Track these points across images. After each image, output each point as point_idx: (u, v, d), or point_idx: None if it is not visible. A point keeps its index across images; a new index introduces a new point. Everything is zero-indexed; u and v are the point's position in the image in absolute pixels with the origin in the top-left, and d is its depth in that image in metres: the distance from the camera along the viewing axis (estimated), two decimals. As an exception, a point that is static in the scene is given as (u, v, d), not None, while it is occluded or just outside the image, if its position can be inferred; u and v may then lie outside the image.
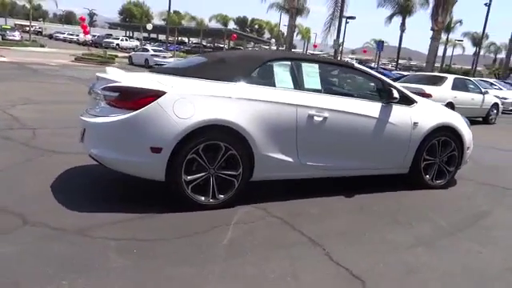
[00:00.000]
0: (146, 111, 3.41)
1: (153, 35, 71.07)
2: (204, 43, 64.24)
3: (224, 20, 59.34)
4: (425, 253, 3.16)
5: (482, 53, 67.78)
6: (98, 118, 3.58)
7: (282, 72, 4.09)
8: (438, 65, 59.56)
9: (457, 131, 4.82)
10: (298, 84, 4.09)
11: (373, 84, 4.58)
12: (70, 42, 55.84)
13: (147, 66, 25.16)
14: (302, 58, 4.44)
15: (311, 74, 4.22)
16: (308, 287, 2.57)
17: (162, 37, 78.46)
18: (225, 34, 50.51)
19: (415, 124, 4.53)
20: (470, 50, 64.11)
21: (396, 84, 4.61)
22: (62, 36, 59.48)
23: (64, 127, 6.72)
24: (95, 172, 4.63)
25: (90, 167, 4.64)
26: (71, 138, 5.91)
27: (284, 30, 64.50)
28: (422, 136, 4.59)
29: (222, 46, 69.42)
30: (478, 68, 54.03)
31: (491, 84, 19.55)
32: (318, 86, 4.24)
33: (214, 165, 3.65)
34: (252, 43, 73.87)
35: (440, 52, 62.44)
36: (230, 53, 5.29)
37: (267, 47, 79.43)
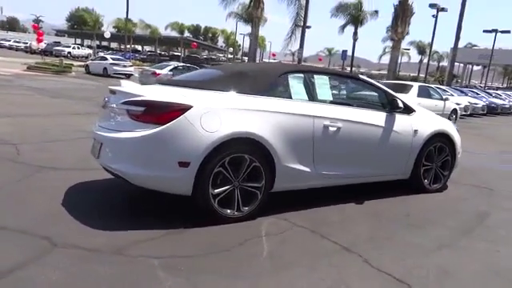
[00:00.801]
0: (174, 125, 3.38)
1: (104, 43, 69.18)
2: (158, 51, 63.30)
3: (180, 28, 58.88)
4: (450, 254, 3.35)
5: (425, 60, 71.95)
6: (120, 133, 3.49)
7: (296, 84, 4.19)
8: (385, 72, 62.41)
9: (450, 137, 5.14)
10: (312, 95, 4.21)
11: (376, 94, 4.79)
12: (17, 49, 52.98)
13: (106, 75, 24.47)
14: (313, 70, 4.57)
15: (322, 85, 4.35)
16: (361, 294, 2.66)
17: (113, 45, 76.63)
18: (181, 42, 50.00)
19: (415, 132, 4.79)
20: (416, 57, 67.85)
21: (396, 94, 4.85)
22: (7, 43, 56.27)
23: (45, 141, 6.46)
24: (101, 187, 4.51)
25: (94, 183, 4.56)
26: (59, 154, 5.73)
27: (239, 38, 65.12)
28: (422, 143, 4.85)
29: (177, 54, 68.87)
30: (422, 75, 57.16)
31: (444, 91, 20.82)
32: (330, 97, 4.39)
33: (239, 177, 3.67)
34: (206, 51, 73.77)
35: (387, 60, 65.56)
36: (243, 65, 5.33)
37: (222, 55, 79.79)
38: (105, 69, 24.71)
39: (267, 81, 4.04)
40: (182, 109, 3.42)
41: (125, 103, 3.55)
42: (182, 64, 21.24)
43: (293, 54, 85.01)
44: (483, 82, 78.12)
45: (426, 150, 4.92)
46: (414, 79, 53.47)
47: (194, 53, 69.91)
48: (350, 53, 34.98)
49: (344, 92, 4.56)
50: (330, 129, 4.11)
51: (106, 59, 26.14)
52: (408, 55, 68.31)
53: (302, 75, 4.29)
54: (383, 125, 4.53)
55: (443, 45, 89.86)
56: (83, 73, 26.61)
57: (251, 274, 2.80)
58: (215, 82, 4.02)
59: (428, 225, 3.99)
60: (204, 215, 3.61)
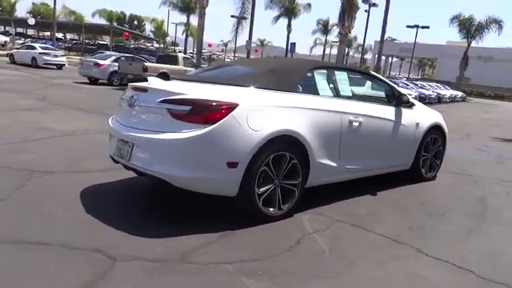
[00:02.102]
0: (223, 125, 3.25)
1: (19, 29, 63.32)
2: (82, 40, 59.32)
3: (109, 16, 55.73)
4: (482, 238, 3.64)
5: (351, 53, 75.63)
6: (162, 134, 3.27)
7: (321, 80, 4.23)
8: (318, 63, 64.52)
9: (442, 129, 5.53)
10: (336, 91, 4.28)
11: (385, 89, 4.98)
12: None
13: (35, 66, 22.50)
14: (333, 66, 4.63)
15: (343, 81, 4.43)
16: (439, 283, 2.79)
17: (30, 32, 70.40)
18: (110, 30, 47.43)
19: (417, 124, 5.08)
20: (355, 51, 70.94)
21: (399, 89, 5.09)
22: None
23: (16, 142, 5.89)
24: (115, 190, 4.29)
25: (103, 186, 4.32)
26: (42, 155, 5.26)
27: (171, 27, 63.33)
28: (422, 134, 5.16)
29: (103, 42, 65.09)
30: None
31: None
32: (350, 93, 4.49)
33: (279, 175, 3.64)
34: (132, 40, 70.47)
35: (319, 51, 67.83)
36: (265, 61, 5.13)
37: (150, 45, 76.86)
38: (33, 58, 22.68)
39: (298, 77, 4.03)
40: (229, 107, 3.30)
41: (164, 102, 3.33)
42: (126, 55, 20.19)
43: (225, 45, 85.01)
44: (401, 73, 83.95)
45: (425, 141, 5.25)
46: (343, 70, 56.04)
47: (120, 42, 66.69)
48: (278, 44, 35.66)
49: (358, 87, 4.68)
50: (354, 124, 4.21)
51: (34, 48, 24.00)
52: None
53: (325, 71, 4.33)
54: (394, 119, 4.74)
55: (366, 38, 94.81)
56: (7, 62, 24.24)
57: (329, 272, 2.81)
58: (248, 78, 3.90)
59: (446, 212, 4.27)
60: (245, 215, 3.56)
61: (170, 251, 2.93)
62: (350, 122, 4.17)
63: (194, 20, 37.54)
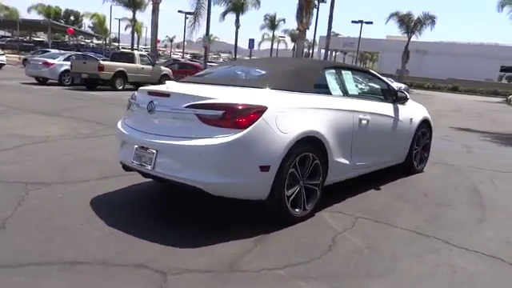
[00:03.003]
0: (255, 129, 3.20)
1: None
2: (16, 37, 55.27)
3: (47, 11, 52.30)
4: (493, 226, 3.87)
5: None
6: (192, 141, 3.16)
7: (331, 80, 4.28)
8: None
9: (429, 123, 5.80)
10: (345, 90, 4.35)
11: (382, 87, 5.13)
12: None
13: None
14: (340, 65, 4.68)
15: (349, 80, 4.52)
16: (478, 273, 2.94)
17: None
18: (48, 26, 44.65)
19: (411, 120, 5.30)
20: (290, 45, 72.02)
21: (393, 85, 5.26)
22: None
23: None
24: (126, 199, 4.07)
25: (110, 195, 4.15)
26: (24, 166, 4.91)
27: (114, 23, 60.80)
28: (415, 129, 5.40)
29: (38, 39, 61.22)
30: None
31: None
32: (356, 92, 4.58)
33: (304, 176, 3.65)
34: (67, 36, 66.71)
35: (266, 46, 68.43)
36: (275, 61, 4.98)
37: (89, 41, 73.27)
38: (-33, 58, 20.88)
39: (313, 78, 4.05)
40: (259, 111, 3.25)
41: (192, 107, 3.22)
42: (77, 53, 19.13)
43: (171, 41, 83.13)
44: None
45: (417, 135, 5.49)
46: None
47: (56, 38, 63.08)
48: (226, 40, 35.61)
49: (361, 86, 4.79)
50: (362, 122, 4.31)
51: (-33, 47, 22.04)
52: (285, 42, 72.25)
53: (334, 71, 4.39)
54: (393, 115, 4.91)
55: (311, 33, 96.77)
56: None
57: (377, 270, 2.86)
58: (263, 79, 3.84)
59: (450, 203, 4.49)
60: (267, 217, 3.56)
61: (214, 260, 2.85)
62: (360, 120, 4.27)
63: (140, 16, 36.32)
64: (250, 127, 3.17)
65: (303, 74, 4.03)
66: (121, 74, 15.79)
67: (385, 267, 2.92)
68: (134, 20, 35.30)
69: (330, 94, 4.16)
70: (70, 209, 3.65)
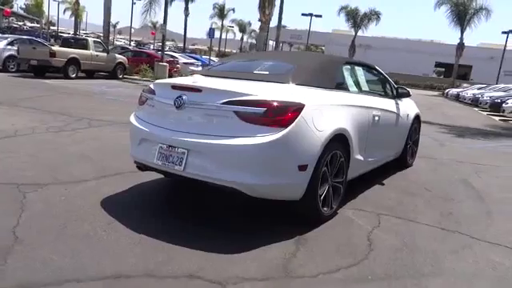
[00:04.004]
0: (295, 127, 3.06)
1: None
2: None
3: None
4: (501, 217, 4.05)
5: (245, 39, 76.86)
6: (233, 140, 2.97)
7: (349, 76, 4.24)
8: (215, 48, 64.21)
9: (420, 118, 5.98)
10: (359, 87, 4.33)
11: (384, 83, 5.18)
12: None
13: None
14: (354, 61, 4.60)
15: (361, 76, 4.50)
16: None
17: None
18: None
19: (408, 115, 5.43)
20: (238, 35, 71.70)
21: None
22: None
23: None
24: (137, 200, 3.77)
25: (118, 197, 3.86)
26: (7, 162, 4.46)
27: (53, 6, 56.70)
28: (410, 124, 5.54)
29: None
30: (235, 51, 60.39)
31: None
32: (367, 88, 4.58)
33: (332, 174, 3.59)
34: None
35: (216, 35, 67.50)
36: (295, 55, 4.72)
37: (21, 23, 67.95)
38: None
39: (335, 74, 3.98)
40: (298, 108, 3.12)
41: (230, 103, 3.02)
42: (24, 37, 17.58)
43: (114, 27, 79.23)
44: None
45: (411, 130, 5.63)
46: (240, 56, 56.68)
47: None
48: (169, 28, 34.88)
49: (369, 82, 4.78)
50: (375, 118, 4.32)
51: None
52: (233, 32, 71.67)
53: (349, 67, 4.34)
54: (396, 111, 4.99)
55: (258, 24, 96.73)
56: None
57: (426, 268, 2.87)
58: (288, 74, 3.68)
59: (453, 197, 4.65)
60: (301, 218, 3.47)
61: (266, 266, 2.72)
62: (374, 116, 4.28)
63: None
64: (291, 125, 3.04)
65: (326, 70, 3.94)
66: (74, 61, 14.76)
67: (432, 265, 2.93)
68: (77, 3, 33.15)
69: (348, 90, 4.12)
70: (82, 213, 3.32)
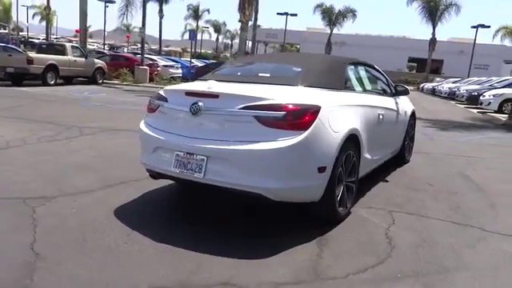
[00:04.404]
0: (314, 130, 3.08)
1: None
2: None
3: None
4: (507, 210, 4.18)
5: (220, 39, 76.59)
6: (254, 144, 2.96)
7: (353, 76, 4.29)
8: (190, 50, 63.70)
9: (415, 115, 6.10)
10: (363, 87, 4.38)
11: (383, 81, 5.25)
12: None
13: None
14: (357, 62, 4.63)
15: (364, 75, 4.56)
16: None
17: None
18: None
19: (405, 112, 5.53)
20: (214, 35, 71.35)
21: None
22: None
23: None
24: (148, 209, 3.70)
25: (129, 206, 3.80)
26: (5, 176, 4.25)
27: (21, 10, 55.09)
28: (407, 121, 5.64)
29: None
30: (209, 51, 59.83)
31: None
32: (370, 87, 4.64)
33: (346, 174, 3.62)
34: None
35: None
36: (307, 56, 4.66)
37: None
38: None
39: (342, 74, 4.00)
40: (316, 111, 3.13)
41: (249, 108, 3.00)
42: (-3, 44, 17.00)
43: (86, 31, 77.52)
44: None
45: (408, 126, 5.74)
46: (216, 57, 56.60)
47: None
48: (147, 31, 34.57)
49: (371, 81, 4.83)
50: (380, 117, 4.39)
51: None
52: (208, 33, 71.28)
53: (353, 67, 4.38)
54: (396, 109, 5.07)
55: (233, 24, 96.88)
56: None
57: (451, 263, 2.93)
58: (297, 76, 3.69)
59: (456, 190, 4.76)
60: (318, 219, 3.50)
61: (295, 269, 2.72)
62: (378, 115, 4.34)
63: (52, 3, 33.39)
64: (311, 128, 3.05)
65: (334, 71, 3.96)
66: (52, 68, 14.38)
67: (454, 260, 2.99)
68: (48, 8, 32.21)
69: (354, 90, 4.17)
70: (97, 225, 3.24)
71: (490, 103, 16.14)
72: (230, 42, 76.85)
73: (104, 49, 40.84)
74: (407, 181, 5.07)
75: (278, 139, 2.96)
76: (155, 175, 3.53)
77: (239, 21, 17.37)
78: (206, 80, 3.72)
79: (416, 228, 3.57)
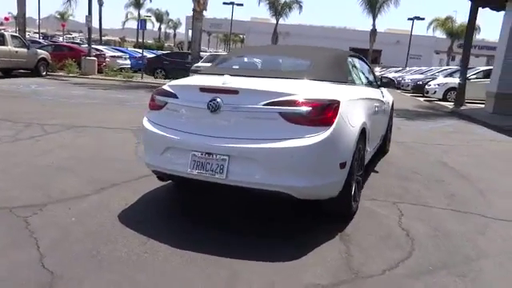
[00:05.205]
0: (337, 125, 3.01)
1: None
2: None
3: None
4: (498, 196, 4.40)
5: (163, 29, 74.33)
6: (281, 142, 2.84)
7: (353, 69, 4.27)
8: (133, 39, 61.26)
9: (393, 105, 6.26)
10: (360, 79, 4.40)
11: (370, 73, 5.30)
12: None
13: None
14: (353, 54, 4.60)
15: (359, 69, 4.57)
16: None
17: None
18: None
19: (388, 103, 5.65)
20: (156, 25, 68.95)
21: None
22: None
23: None
24: (156, 212, 3.48)
25: (131, 210, 3.63)
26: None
27: None
28: (390, 112, 5.77)
29: None
30: (150, 41, 57.88)
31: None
32: (365, 80, 4.66)
33: (357, 168, 3.62)
34: None
35: (131, 25, 64.24)
36: (310, 49, 4.44)
37: None
38: None
39: (346, 68, 3.97)
40: (337, 105, 3.07)
41: (273, 104, 2.88)
42: None
43: (15, 18, 71.82)
44: (209, 48, 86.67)
45: (390, 117, 5.88)
46: (160, 47, 54.92)
47: None
48: (79, 19, 32.88)
49: (363, 73, 4.84)
50: (376, 109, 4.44)
51: None
52: (151, 22, 68.71)
53: (351, 60, 4.36)
54: (383, 100, 5.16)
55: (177, 13, 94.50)
56: None
57: (471, 253, 3.02)
58: (306, 70, 3.59)
59: (442, 178, 4.97)
60: (334, 215, 3.47)
61: (330, 269, 2.67)
62: (375, 107, 4.38)
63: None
64: (334, 123, 2.98)
65: (339, 64, 3.91)
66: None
67: (471, 249, 3.09)
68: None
69: (355, 83, 4.16)
70: (107, 234, 2.97)
71: (435, 92, 17.12)
72: (173, 32, 74.88)
73: (39, 38, 38.10)
74: (395, 171, 5.20)
75: (305, 136, 2.86)
76: (164, 177, 3.30)
77: (193, 10, 16.89)
78: (214, 74, 3.54)
79: (424, 218, 3.65)
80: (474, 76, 16.53)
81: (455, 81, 16.14)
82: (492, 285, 2.64)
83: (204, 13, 16.86)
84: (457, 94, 15.06)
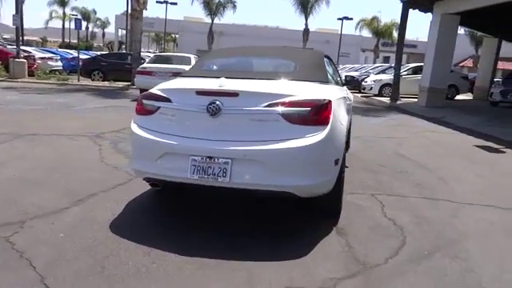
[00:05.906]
0: (332, 124, 3.13)
1: None
2: None
3: None
4: (457, 183, 4.81)
5: (90, 28, 70.68)
6: (283, 143, 2.89)
7: (329, 69, 4.41)
8: (58, 39, 57.68)
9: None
10: (333, 79, 4.56)
11: (336, 72, 5.50)
12: None
13: None
14: (325, 54, 4.72)
15: (332, 68, 4.74)
16: (501, 222, 3.70)
17: None
18: None
19: (350, 99, 5.90)
20: (83, 24, 65.20)
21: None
22: None
23: None
24: (148, 219, 3.39)
25: (123, 220, 3.47)
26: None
27: None
28: (351, 108, 6.04)
29: None
30: (74, 41, 55.26)
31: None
32: (336, 79, 4.83)
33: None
34: None
35: (56, 25, 60.48)
36: (287, 50, 4.39)
37: None
38: None
39: (325, 68, 4.09)
40: (330, 105, 3.18)
41: (274, 105, 2.92)
42: None
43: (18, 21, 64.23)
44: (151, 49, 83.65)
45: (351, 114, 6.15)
46: (89, 47, 52.30)
47: None
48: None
49: (334, 73, 4.99)
50: (348, 107, 4.64)
51: None
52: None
53: (327, 60, 4.49)
54: (350, 98, 5.41)
55: (106, 11, 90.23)
56: None
57: (459, 237, 3.28)
58: (296, 71, 3.67)
59: (405, 169, 5.32)
60: (325, 211, 3.58)
61: (339, 262, 2.79)
62: (348, 105, 4.58)
63: None
64: (330, 122, 3.09)
65: (320, 64, 4.02)
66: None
67: (452, 231, 3.37)
68: None
69: (332, 82, 4.30)
70: (105, 249, 2.83)
71: (371, 88, 18.11)
72: (101, 31, 71.35)
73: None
74: (362, 164, 5.46)
75: (306, 136, 2.94)
76: (159, 184, 3.21)
77: (132, 9, 16.28)
78: (204, 77, 3.51)
79: (404, 207, 3.89)
80: (406, 73, 17.74)
81: (388, 77, 17.20)
82: (483, 262, 2.89)
83: (144, 12, 16.29)
84: (392, 89, 16.05)
